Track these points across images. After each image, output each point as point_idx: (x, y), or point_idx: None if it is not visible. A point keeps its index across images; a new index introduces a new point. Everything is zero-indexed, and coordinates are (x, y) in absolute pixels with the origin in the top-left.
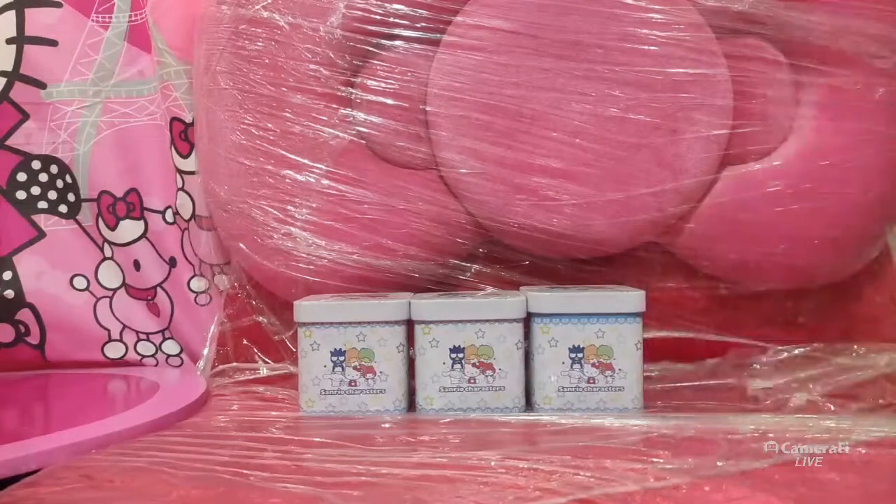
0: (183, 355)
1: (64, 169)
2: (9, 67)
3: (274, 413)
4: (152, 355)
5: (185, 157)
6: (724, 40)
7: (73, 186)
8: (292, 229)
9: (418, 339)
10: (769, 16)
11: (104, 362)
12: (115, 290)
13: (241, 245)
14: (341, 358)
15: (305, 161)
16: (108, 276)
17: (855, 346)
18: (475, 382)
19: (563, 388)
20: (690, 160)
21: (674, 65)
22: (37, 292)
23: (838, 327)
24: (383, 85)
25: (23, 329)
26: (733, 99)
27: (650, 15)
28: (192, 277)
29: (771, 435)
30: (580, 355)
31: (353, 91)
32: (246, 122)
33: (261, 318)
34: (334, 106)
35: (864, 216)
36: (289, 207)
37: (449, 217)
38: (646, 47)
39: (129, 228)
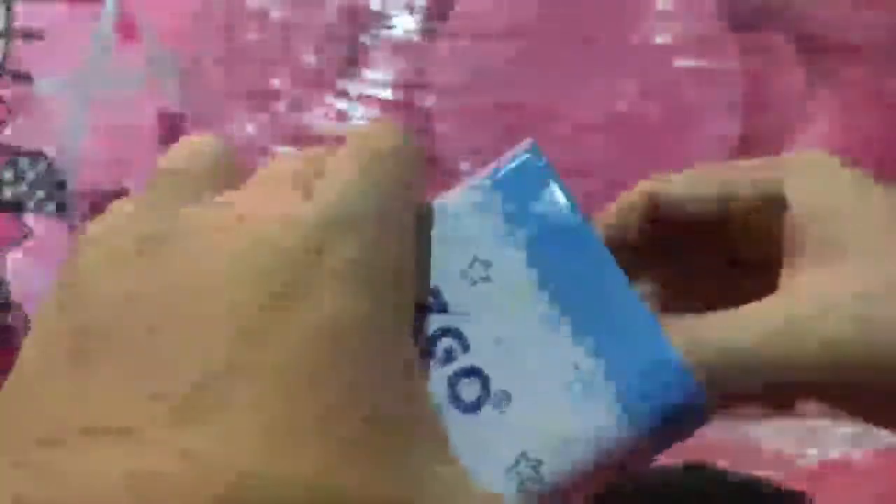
0: None
1: (52, 166)
2: None
3: None
4: None
5: None
6: (735, 33)
7: (61, 184)
8: None
9: None
10: (782, 8)
11: None
12: None
13: None
14: None
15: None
16: None
17: None
18: None
19: None
20: (701, 158)
21: (684, 58)
22: (24, 293)
23: None
24: (380, 77)
25: (11, 331)
26: (745, 94)
27: (660, 6)
28: None
29: (782, 441)
30: None
31: (349, 83)
32: (238, 115)
33: None
34: (330, 99)
35: None
36: None
37: None
38: (656, 39)
39: None
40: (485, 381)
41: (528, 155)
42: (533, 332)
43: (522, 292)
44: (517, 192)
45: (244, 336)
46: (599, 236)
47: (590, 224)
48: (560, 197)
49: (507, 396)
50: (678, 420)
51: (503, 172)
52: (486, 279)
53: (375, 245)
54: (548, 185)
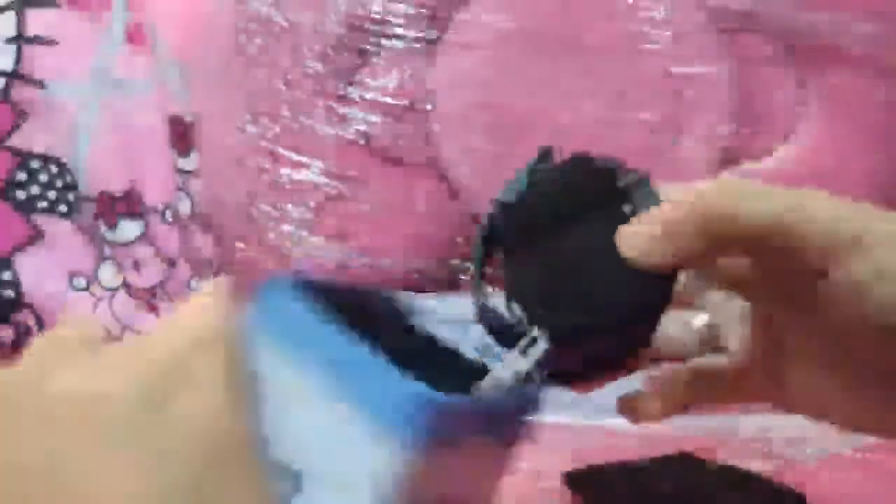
0: None
1: (63, 168)
2: (8, 67)
3: None
4: None
5: (185, 156)
6: (726, 38)
7: (72, 186)
8: (291, 229)
9: None
10: (772, 14)
11: None
12: (114, 291)
13: (240, 245)
14: None
15: (304, 159)
16: (107, 277)
17: None
18: None
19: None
20: (692, 161)
21: (676, 64)
22: (36, 293)
23: None
24: (383, 83)
25: (23, 330)
26: (736, 98)
27: (652, 12)
28: (191, 277)
29: (773, 436)
30: None
31: (353, 89)
32: (244, 120)
33: None
34: (333, 104)
35: None
36: (287, 206)
37: (449, 217)
38: (647, 45)
39: (129, 228)
40: (287, 469)
41: (277, 281)
42: (307, 412)
43: (289, 385)
44: (269, 312)
45: (127, 428)
46: (336, 326)
47: (326, 320)
48: (301, 304)
49: (308, 474)
50: (454, 427)
51: (257, 298)
52: (264, 381)
53: (227, 363)
54: (293, 300)
